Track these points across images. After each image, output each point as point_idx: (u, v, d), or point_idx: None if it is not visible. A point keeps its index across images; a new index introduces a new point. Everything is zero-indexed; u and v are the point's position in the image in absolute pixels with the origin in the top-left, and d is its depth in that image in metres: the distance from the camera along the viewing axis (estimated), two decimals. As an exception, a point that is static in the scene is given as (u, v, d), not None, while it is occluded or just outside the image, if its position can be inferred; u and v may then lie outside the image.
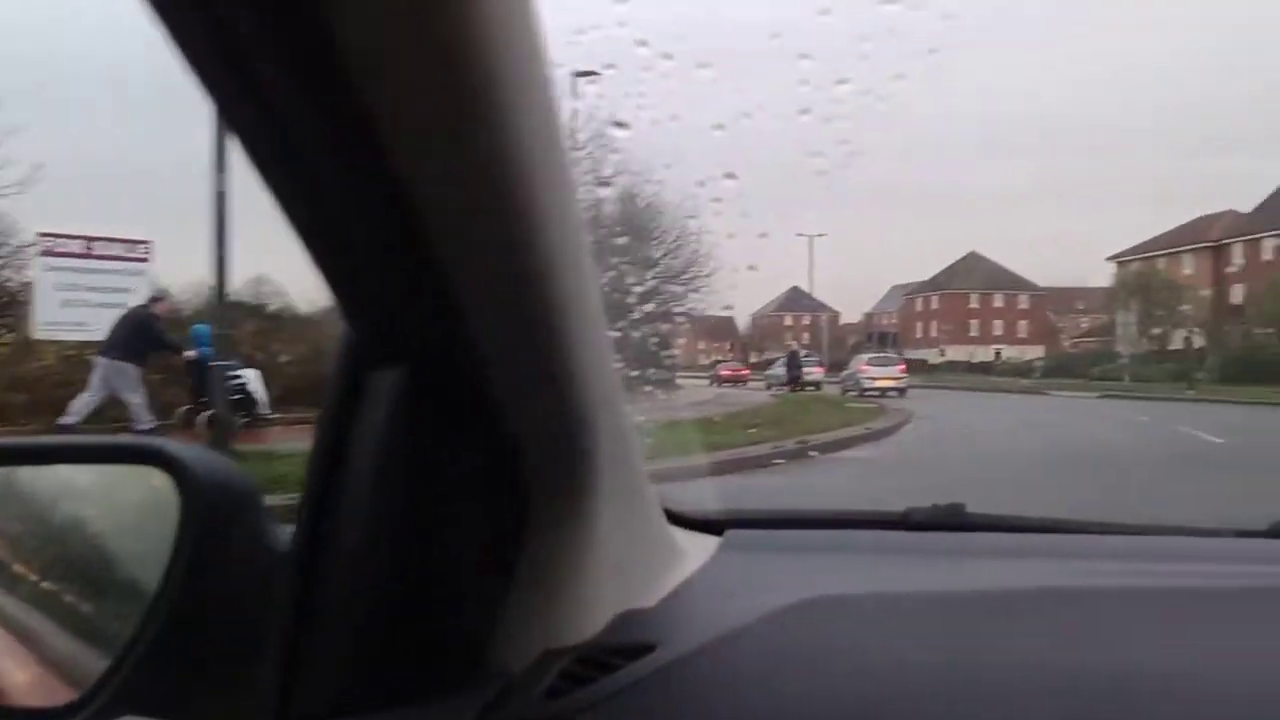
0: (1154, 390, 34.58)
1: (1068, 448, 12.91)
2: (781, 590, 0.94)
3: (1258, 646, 0.84)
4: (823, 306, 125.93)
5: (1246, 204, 55.99)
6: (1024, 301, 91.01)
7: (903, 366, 30.90)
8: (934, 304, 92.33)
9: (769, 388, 32.94)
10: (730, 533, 1.21)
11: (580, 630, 0.84)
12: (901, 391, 27.83)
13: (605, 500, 0.86)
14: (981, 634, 0.88)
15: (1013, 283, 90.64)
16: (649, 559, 0.99)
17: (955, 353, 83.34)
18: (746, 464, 9.66)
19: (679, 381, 35.35)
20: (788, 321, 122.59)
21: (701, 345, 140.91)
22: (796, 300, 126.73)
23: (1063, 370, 55.76)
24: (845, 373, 31.53)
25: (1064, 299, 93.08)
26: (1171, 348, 51.33)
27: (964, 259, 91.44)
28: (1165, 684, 0.78)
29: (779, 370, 35.36)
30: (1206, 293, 52.25)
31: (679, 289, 30.80)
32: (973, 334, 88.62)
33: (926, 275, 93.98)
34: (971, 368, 75.60)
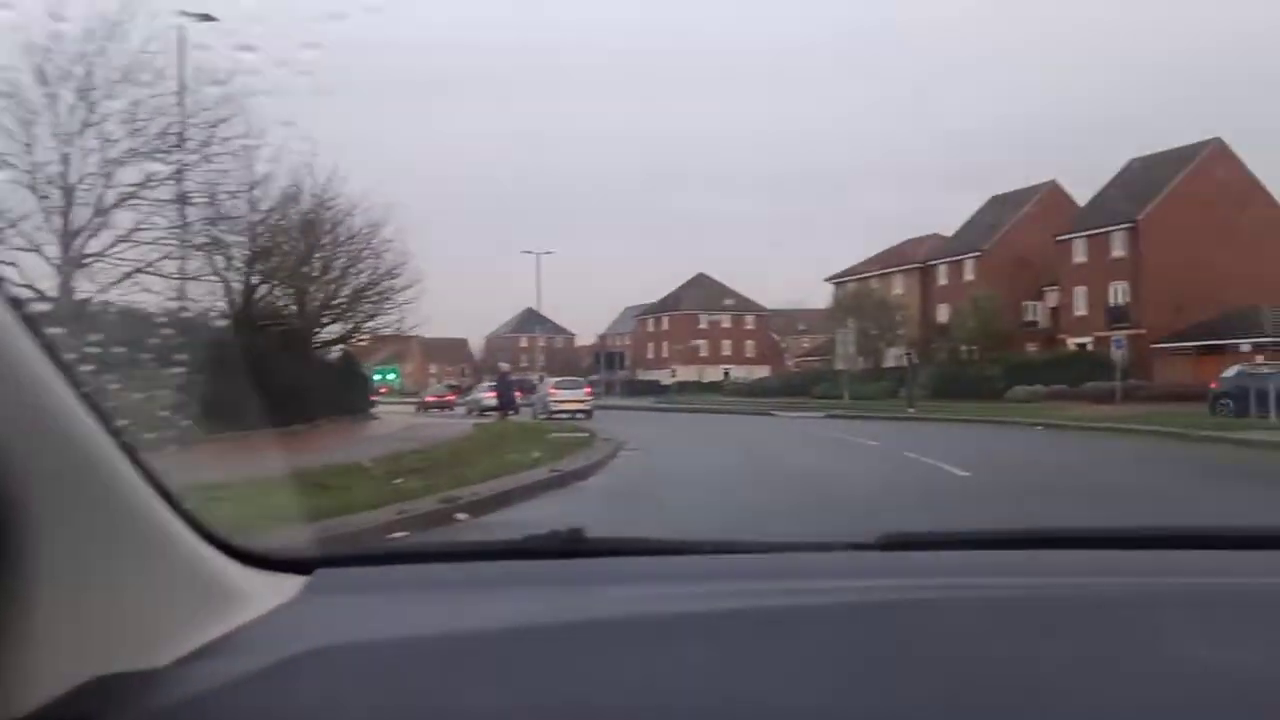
0: (876, 409, 34.39)
1: (807, 489, 10.48)
2: (349, 632, 0.88)
3: (861, 662, 0.85)
4: (558, 328, 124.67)
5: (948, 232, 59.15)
6: (750, 322, 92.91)
7: (588, 389, 31.61)
8: (664, 325, 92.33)
9: (469, 413, 31.32)
10: (321, 572, 1.11)
11: (21, 704, 0.74)
12: (588, 413, 28.08)
13: (59, 550, 0.76)
14: (523, 669, 0.84)
15: (740, 304, 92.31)
16: (174, 609, 0.88)
17: (686, 373, 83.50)
18: (348, 540, 6.56)
19: (376, 412, 31.82)
20: (523, 343, 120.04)
21: (433, 369, 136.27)
22: (531, 321, 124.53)
23: (788, 389, 56.19)
24: (535, 396, 31.25)
25: (787, 320, 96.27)
26: (886, 365, 52.78)
27: (693, 280, 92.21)
28: (755, 708, 0.77)
29: (480, 395, 33.74)
30: (915, 312, 54.18)
31: (369, 307, 27.23)
32: (702, 354, 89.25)
33: (658, 297, 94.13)
34: (702, 388, 75.79)
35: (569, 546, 1.19)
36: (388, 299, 27.56)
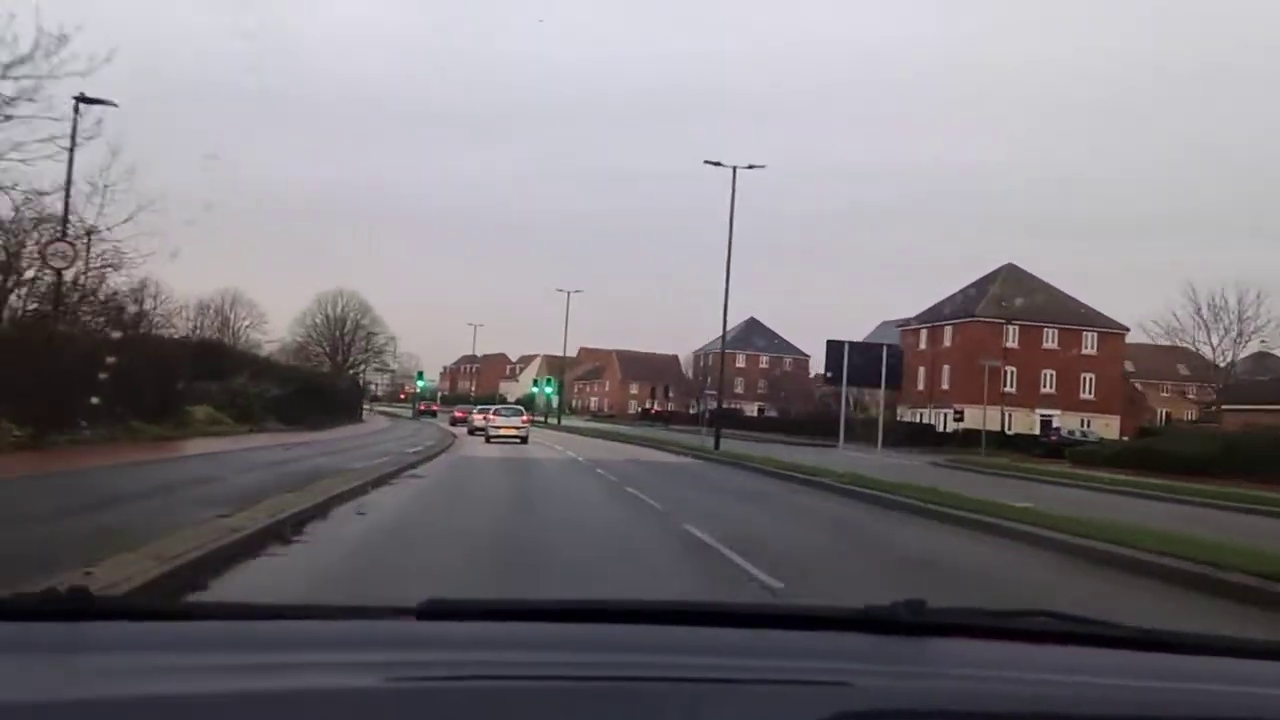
0: None
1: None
2: None
3: None
4: (787, 345, 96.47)
5: None
6: (1091, 343, 57.84)
7: (525, 418, 36.62)
8: (945, 340, 58.65)
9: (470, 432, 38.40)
10: None
11: None
12: (524, 439, 33.30)
13: None
14: None
15: (1073, 313, 58.73)
16: None
17: (976, 416, 52.27)
18: None
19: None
20: (739, 362, 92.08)
21: (634, 388, 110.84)
22: (750, 335, 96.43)
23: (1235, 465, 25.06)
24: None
25: (1141, 356, 62.67)
26: None
27: (1000, 271, 59.23)
28: None
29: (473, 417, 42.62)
30: None
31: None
32: (1006, 389, 56.61)
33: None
34: (1008, 442, 44.94)
35: (72, 608, 1.05)
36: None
